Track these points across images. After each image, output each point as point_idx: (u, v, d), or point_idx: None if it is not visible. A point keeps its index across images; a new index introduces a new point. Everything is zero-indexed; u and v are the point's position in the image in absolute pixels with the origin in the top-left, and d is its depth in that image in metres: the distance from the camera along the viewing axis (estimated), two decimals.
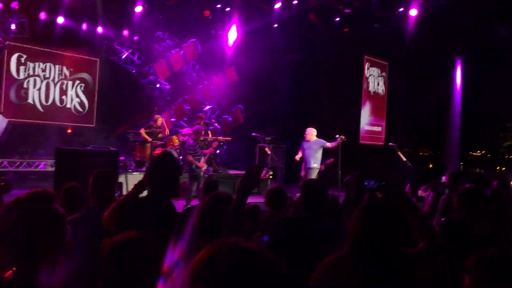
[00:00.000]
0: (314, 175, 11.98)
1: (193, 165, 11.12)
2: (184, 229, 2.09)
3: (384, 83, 21.02)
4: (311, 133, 12.33)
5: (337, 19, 16.68)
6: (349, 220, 4.97)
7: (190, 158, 11.11)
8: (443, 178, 13.03)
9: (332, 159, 13.59)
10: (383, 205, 2.52)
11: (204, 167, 11.29)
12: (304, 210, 3.80)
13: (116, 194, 6.88)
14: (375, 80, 20.39)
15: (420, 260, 3.11)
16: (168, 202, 3.41)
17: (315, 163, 12.09)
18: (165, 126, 14.62)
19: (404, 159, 14.35)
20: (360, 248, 2.44)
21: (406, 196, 3.23)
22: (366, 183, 3.41)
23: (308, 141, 12.30)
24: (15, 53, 15.30)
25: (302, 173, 12.84)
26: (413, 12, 15.34)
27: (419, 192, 6.39)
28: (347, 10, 16.20)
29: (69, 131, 16.70)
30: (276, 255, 1.32)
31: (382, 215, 2.52)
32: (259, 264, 1.26)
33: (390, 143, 15.15)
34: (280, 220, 2.61)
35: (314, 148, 12.18)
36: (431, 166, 25.23)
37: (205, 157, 11.52)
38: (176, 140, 14.28)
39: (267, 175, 4.44)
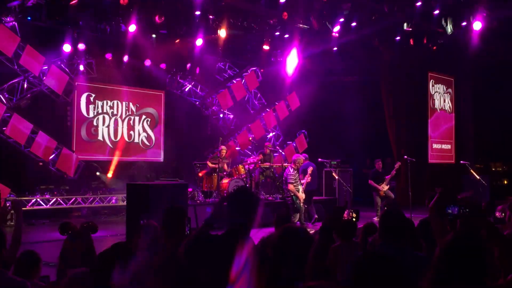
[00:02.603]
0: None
1: (293, 196, 11.02)
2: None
3: (451, 99, 20.45)
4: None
5: (398, 37, 16.42)
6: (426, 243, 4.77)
7: (292, 187, 11.02)
8: None
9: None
10: (468, 242, 2.39)
11: (303, 197, 11.18)
12: (384, 241, 3.65)
13: (186, 228, 6.92)
14: (441, 97, 19.88)
15: None
16: (247, 238, 3.28)
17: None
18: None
19: (478, 177, 13.83)
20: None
21: (492, 226, 3.06)
22: (450, 211, 3.23)
23: None
24: (84, 92, 15.90)
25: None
26: (477, 25, 14.89)
27: (497, 214, 5.92)
28: (407, 29, 15.92)
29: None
30: None
31: (467, 253, 2.38)
32: None
33: (462, 161, 14.69)
34: (360, 256, 2.50)
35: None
36: (506, 182, 24.15)
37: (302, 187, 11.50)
38: (242, 169, 14.27)
39: (350, 217, 4.31)
